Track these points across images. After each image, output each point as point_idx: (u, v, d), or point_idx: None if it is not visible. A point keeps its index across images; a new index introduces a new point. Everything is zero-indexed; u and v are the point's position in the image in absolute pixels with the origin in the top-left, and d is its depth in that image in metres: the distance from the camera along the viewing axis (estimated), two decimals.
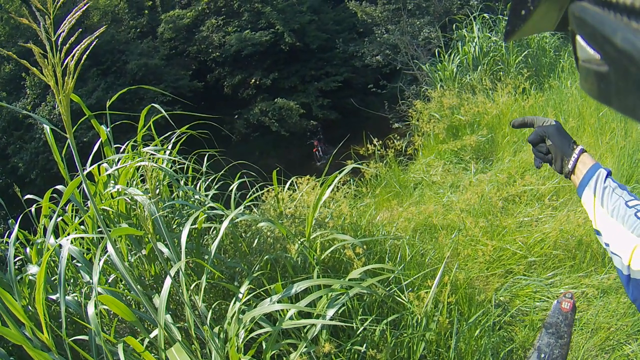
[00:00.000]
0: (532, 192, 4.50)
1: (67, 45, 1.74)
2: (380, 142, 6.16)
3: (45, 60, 1.70)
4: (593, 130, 5.14)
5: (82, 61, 1.75)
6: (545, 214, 4.16)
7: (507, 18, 0.67)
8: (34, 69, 1.72)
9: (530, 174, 4.71)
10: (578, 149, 1.47)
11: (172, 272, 2.32)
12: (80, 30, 1.74)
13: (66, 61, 1.74)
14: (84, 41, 1.76)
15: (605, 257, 3.63)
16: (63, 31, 1.72)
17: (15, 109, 3.09)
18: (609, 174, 1.37)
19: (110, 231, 2.57)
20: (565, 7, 0.53)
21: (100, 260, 2.47)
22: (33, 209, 3.64)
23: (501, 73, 7.80)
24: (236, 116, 20.81)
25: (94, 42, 1.76)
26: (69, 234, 3.04)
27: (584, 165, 1.43)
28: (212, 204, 3.21)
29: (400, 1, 13.14)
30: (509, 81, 7.20)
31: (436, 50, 9.39)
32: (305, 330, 2.49)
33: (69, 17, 1.72)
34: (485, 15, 8.79)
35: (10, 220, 3.77)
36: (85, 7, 1.72)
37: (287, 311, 2.45)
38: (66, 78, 1.75)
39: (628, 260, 1.15)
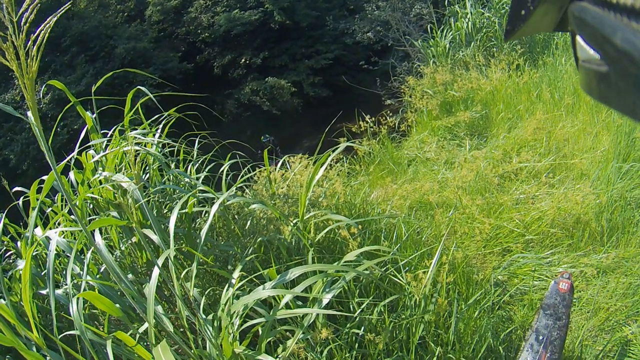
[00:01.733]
0: (528, 169, 4.45)
1: (28, 24, 1.65)
2: (373, 119, 6.13)
3: (6, 43, 1.61)
4: (589, 108, 5.10)
5: (45, 41, 1.67)
6: (541, 192, 4.13)
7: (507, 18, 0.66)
8: None
9: (525, 151, 4.66)
10: None
11: (160, 261, 2.25)
12: (39, 5, 1.64)
13: (29, 43, 1.66)
14: (48, 19, 1.67)
15: (604, 236, 3.60)
16: (26, 10, 1.63)
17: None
18: None
19: (89, 223, 2.50)
20: (565, 7, 0.54)
21: (87, 252, 2.41)
22: (21, 202, 3.56)
23: (494, 49, 7.74)
24: (227, 96, 20.67)
25: (54, 21, 1.68)
26: (57, 224, 2.97)
27: None
28: (202, 187, 3.14)
29: None
30: (503, 57, 7.14)
31: (428, 27, 9.33)
32: (301, 315, 2.44)
33: None
34: None
35: None
36: None
37: (283, 297, 2.39)
38: (29, 61, 1.67)
39: None
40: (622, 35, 0.39)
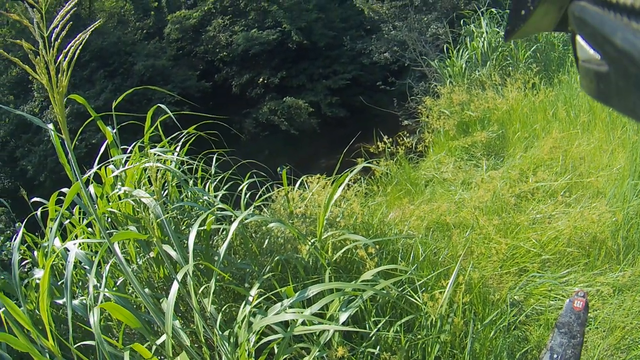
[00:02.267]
0: (544, 189, 4.44)
1: (59, 40, 1.69)
2: (390, 139, 6.12)
3: (37, 57, 1.66)
4: (604, 125, 5.07)
5: (76, 57, 1.71)
6: (558, 211, 4.10)
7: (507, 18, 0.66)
8: (27, 67, 1.68)
9: (542, 170, 4.65)
10: None
11: (180, 275, 2.27)
12: (71, 23, 1.69)
13: (59, 58, 1.70)
14: (78, 36, 1.71)
15: (620, 254, 3.57)
16: (56, 26, 1.67)
17: (20, 113, 3.05)
18: None
19: (112, 235, 2.54)
20: (565, 7, 0.54)
21: (105, 265, 2.44)
22: (39, 212, 3.61)
23: (510, 68, 7.74)
24: (245, 115, 20.78)
25: (86, 39, 1.73)
26: (76, 237, 3.01)
27: None
28: (221, 205, 3.17)
29: None
30: (519, 76, 7.13)
31: (444, 46, 9.34)
32: (317, 333, 2.44)
33: (61, 11, 1.67)
34: (492, 10, 8.74)
35: (17, 224, 3.75)
36: (76, 8, 1.67)
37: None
38: (60, 76, 1.71)
39: None
40: (622, 35, 0.40)
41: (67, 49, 1.70)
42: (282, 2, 21.04)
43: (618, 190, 4.05)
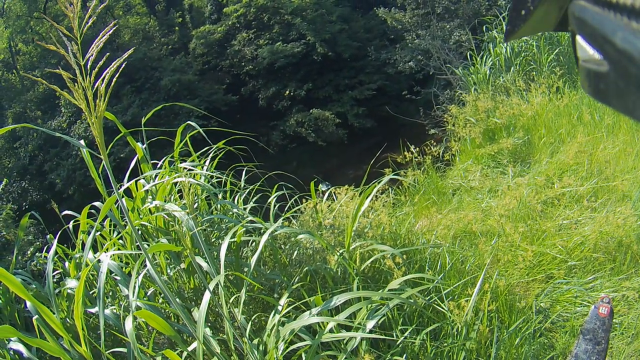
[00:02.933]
0: (570, 194, 4.41)
1: (97, 68, 1.79)
2: (417, 149, 6.13)
3: (75, 84, 1.75)
4: (629, 127, 5.04)
5: (113, 83, 1.80)
6: (584, 216, 4.08)
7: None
8: (65, 93, 1.77)
9: (567, 175, 4.62)
10: None
11: (211, 286, 2.35)
12: (108, 54, 1.78)
13: (96, 84, 1.79)
14: (113, 63, 1.80)
15: None
16: (92, 55, 1.76)
17: (48, 131, 3.18)
18: None
19: (148, 247, 2.63)
20: (565, 7, 0.54)
21: (138, 276, 2.53)
22: (71, 225, 3.73)
23: (534, 73, 7.71)
24: (272, 128, 20.92)
25: (124, 63, 1.81)
26: (107, 250, 3.12)
27: None
28: (250, 218, 3.24)
29: (428, 5, 13.13)
30: (543, 81, 7.09)
31: (468, 53, 9.33)
32: (344, 341, 2.49)
33: (96, 40, 1.77)
34: None
35: (48, 236, 3.89)
36: (114, 29, 1.76)
37: (327, 323, 2.45)
38: (97, 101, 1.80)
39: None
40: (622, 35, 0.41)
41: (103, 75, 1.79)
42: (306, 14, 21.21)
43: None
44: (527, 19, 0.60)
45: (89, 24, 1.75)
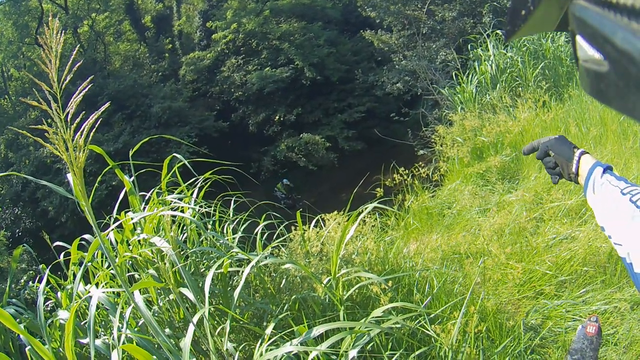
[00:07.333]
0: (559, 208, 4.43)
1: (74, 124, 1.82)
2: (407, 171, 6.13)
3: (56, 136, 1.78)
4: (616, 136, 5.07)
5: (90, 138, 1.83)
6: (572, 229, 4.09)
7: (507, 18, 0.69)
8: (49, 145, 1.80)
9: (556, 190, 4.64)
10: (578, 152, 1.52)
11: (195, 319, 2.37)
12: (84, 112, 1.82)
13: (76, 137, 1.82)
14: (91, 117, 1.84)
15: None
16: (71, 108, 1.79)
17: (45, 183, 3.25)
18: (607, 169, 1.40)
19: (132, 283, 2.65)
20: (565, 7, 0.54)
21: (125, 310, 2.55)
22: (62, 257, 3.75)
23: (520, 88, 7.76)
24: (263, 154, 20.95)
25: (100, 119, 1.84)
26: (97, 283, 3.13)
27: (586, 165, 1.47)
28: (237, 250, 3.26)
29: (414, 26, 13.24)
30: (529, 96, 7.12)
31: (453, 73, 9.41)
32: None
33: (74, 96, 1.81)
34: (498, 31, 8.81)
35: (41, 266, 3.91)
36: (89, 87, 1.80)
37: (311, 352, 2.46)
38: (77, 153, 1.83)
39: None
40: (622, 35, 0.41)
41: (82, 128, 1.83)
42: (294, 39, 21.37)
43: None
44: (527, 19, 0.62)
45: (67, 81, 1.79)
